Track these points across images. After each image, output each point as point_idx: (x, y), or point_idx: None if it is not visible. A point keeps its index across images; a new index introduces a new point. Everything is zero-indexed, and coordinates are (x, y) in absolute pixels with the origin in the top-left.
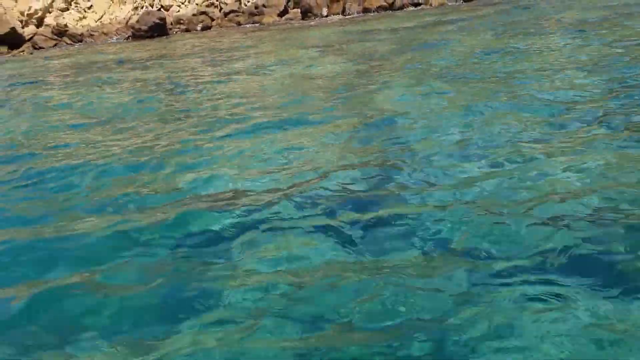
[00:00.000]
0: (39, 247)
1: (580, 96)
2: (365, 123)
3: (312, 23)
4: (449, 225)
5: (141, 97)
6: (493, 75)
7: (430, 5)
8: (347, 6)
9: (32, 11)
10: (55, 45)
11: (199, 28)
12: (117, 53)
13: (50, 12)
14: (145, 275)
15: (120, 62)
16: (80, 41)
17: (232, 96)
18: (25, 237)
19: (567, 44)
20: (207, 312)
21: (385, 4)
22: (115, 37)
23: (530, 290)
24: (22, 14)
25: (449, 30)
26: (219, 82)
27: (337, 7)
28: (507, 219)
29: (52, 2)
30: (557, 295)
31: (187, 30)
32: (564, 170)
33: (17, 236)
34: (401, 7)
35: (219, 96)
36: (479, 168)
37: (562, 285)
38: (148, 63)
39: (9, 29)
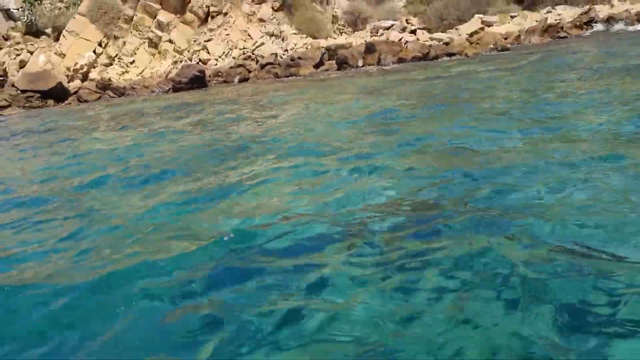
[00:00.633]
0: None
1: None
2: (425, 156)
3: (350, 73)
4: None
5: (191, 139)
6: (546, 116)
7: (466, 55)
8: (382, 57)
9: (77, 66)
10: (99, 98)
11: (236, 80)
12: (159, 102)
13: (94, 67)
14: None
15: (165, 109)
16: (122, 94)
17: (280, 134)
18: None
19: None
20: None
21: (419, 54)
22: (156, 90)
23: None
24: (68, 69)
25: (491, 77)
26: (264, 120)
27: (372, 58)
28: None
29: (97, 57)
30: None
31: (225, 82)
32: None
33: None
34: (435, 57)
35: (266, 134)
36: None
37: None
38: (193, 108)
39: (56, 84)
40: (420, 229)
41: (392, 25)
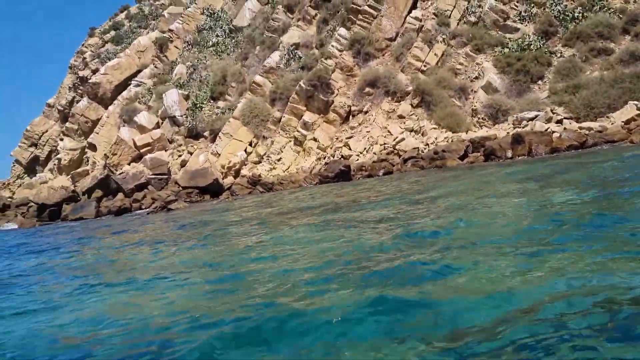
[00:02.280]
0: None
1: None
2: None
3: (503, 163)
4: None
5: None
6: None
7: (631, 142)
8: (533, 147)
9: (231, 164)
10: (249, 192)
11: (380, 173)
12: (311, 194)
13: (245, 165)
14: None
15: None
16: (270, 189)
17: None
18: None
19: None
20: None
21: (576, 143)
22: (304, 184)
23: None
24: (223, 167)
25: None
26: (424, 206)
27: (522, 149)
28: None
29: (248, 156)
30: None
31: (369, 176)
32: None
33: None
34: (594, 145)
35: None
36: None
37: None
38: (341, 200)
39: (213, 180)
40: None
41: (537, 115)
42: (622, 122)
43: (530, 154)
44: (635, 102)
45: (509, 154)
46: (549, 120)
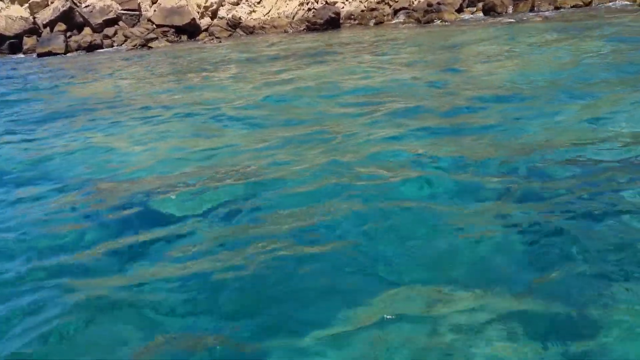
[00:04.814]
0: None
1: None
2: None
3: (506, 20)
4: None
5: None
6: None
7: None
8: (536, 4)
9: (208, 4)
10: (229, 35)
11: (371, 23)
12: (303, 42)
13: (223, 6)
14: None
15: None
16: (252, 32)
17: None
18: None
19: None
20: None
21: (580, 2)
22: (290, 30)
23: None
24: (199, 6)
25: None
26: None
27: (524, 5)
28: None
29: None
30: None
31: (360, 24)
32: None
33: None
34: (599, 3)
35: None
36: None
37: None
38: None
39: (190, 19)
40: None
41: None
42: None
43: (532, 10)
44: None
45: (510, 9)
46: None
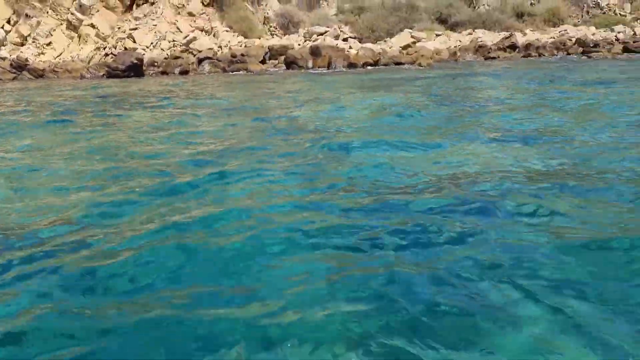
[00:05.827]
0: None
1: None
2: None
3: (305, 73)
4: None
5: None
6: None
7: (419, 65)
8: (332, 61)
9: None
10: (14, 78)
11: (177, 72)
12: (107, 87)
13: (4, 45)
14: None
15: (104, 97)
16: (41, 76)
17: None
18: None
19: None
20: None
21: (371, 61)
22: (87, 75)
23: None
24: None
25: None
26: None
27: (322, 61)
28: None
29: (6, 35)
30: None
31: (164, 73)
32: None
33: None
34: (385, 64)
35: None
36: None
37: None
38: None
39: None
40: None
41: (326, 31)
42: (400, 47)
43: (329, 67)
44: (410, 31)
45: (310, 64)
46: (337, 37)
